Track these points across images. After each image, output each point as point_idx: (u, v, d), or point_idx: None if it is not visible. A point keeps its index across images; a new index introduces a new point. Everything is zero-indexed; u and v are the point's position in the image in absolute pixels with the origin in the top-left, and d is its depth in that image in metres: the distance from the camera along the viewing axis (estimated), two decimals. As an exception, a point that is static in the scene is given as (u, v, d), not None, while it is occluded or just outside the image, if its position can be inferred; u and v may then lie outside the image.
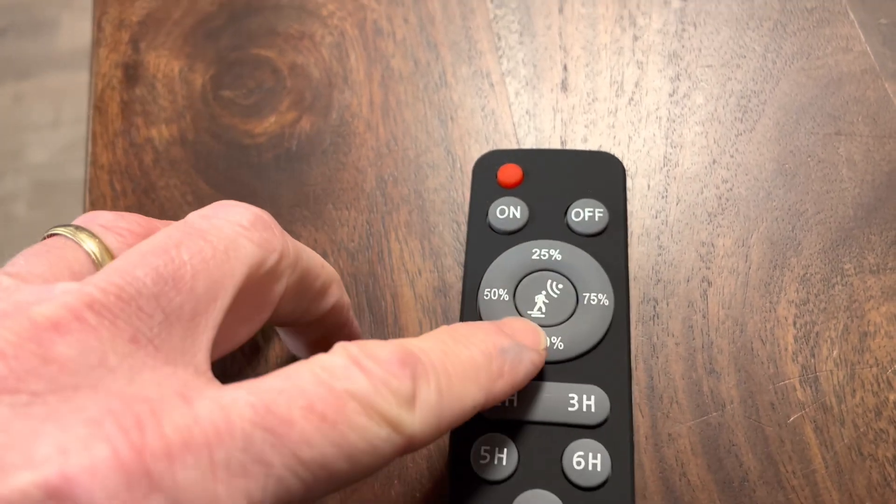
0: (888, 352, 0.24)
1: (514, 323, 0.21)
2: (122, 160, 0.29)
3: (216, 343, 0.17)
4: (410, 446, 0.16)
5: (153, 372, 0.15)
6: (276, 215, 0.28)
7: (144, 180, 0.29)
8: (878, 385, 0.23)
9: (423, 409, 0.16)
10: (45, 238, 0.18)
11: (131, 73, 0.31)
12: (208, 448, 0.13)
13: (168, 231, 0.17)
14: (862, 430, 0.23)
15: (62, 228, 0.18)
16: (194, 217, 0.18)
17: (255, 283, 0.18)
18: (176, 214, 0.28)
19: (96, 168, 0.29)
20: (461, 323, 0.20)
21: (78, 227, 0.18)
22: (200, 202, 0.28)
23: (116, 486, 0.12)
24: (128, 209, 0.28)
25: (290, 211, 0.28)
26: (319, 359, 0.15)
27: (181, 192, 0.28)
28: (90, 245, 0.17)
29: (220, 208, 0.18)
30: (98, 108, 0.30)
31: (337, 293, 0.22)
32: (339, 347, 0.16)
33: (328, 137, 0.29)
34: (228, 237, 0.17)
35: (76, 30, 1.42)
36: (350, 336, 0.24)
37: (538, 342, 0.21)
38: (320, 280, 0.21)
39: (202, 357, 0.16)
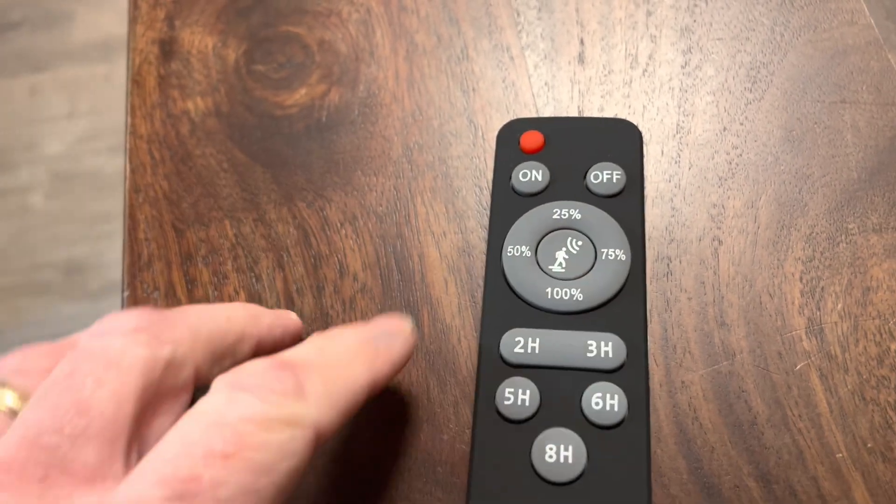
0: (890, 305, 0.25)
1: (378, 318, 0.22)
2: (160, 130, 0.31)
3: (142, 442, 0.18)
4: (320, 436, 0.17)
5: (69, 500, 0.16)
6: (308, 182, 0.29)
7: (182, 149, 0.30)
8: (881, 335, 0.25)
9: (314, 397, 0.17)
10: None
11: (167, 48, 0.33)
12: None
13: (62, 365, 0.18)
14: (865, 376, 0.24)
15: None
16: (84, 339, 0.19)
17: (159, 379, 0.19)
18: (212, 181, 0.30)
19: (135, 138, 0.31)
20: (332, 328, 0.21)
21: None
22: (236, 169, 0.30)
23: None
24: (166, 176, 0.30)
25: (322, 177, 0.29)
26: (200, 405, 0.17)
27: (217, 161, 0.30)
28: (10, 399, 0.18)
29: (106, 323, 0.19)
30: (136, 81, 0.32)
31: (254, 332, 0.22)
32: (216, 382, 0.17)
33: (356, 108, 0.30)
34: (118, 349, 0.18)
35: (90, 22, 1.44)
36: (289, 343, 0.24)
37: (403, 327, 0.22)
38: (231, 335, 0.21)
39: (119, 466, 0.17)
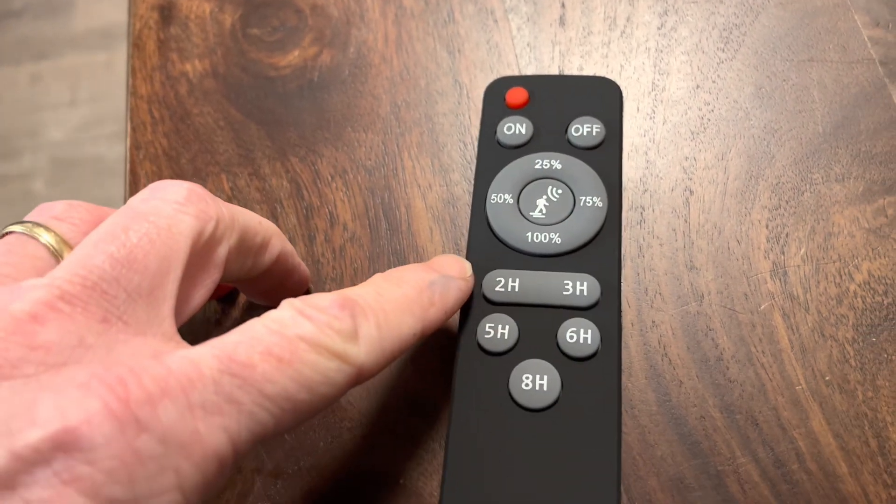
0: (849, 249, 0.26)
1: (441, 259, 0.24)
2: (159, 91, 0.32)
3: (177, 310, 0.19)
4: (361, 375, 0.19)
5: (126, 344, 0.17)
6: (301, 138, 0.31)
7: (180, 109, 0.32)
8: (840, 277, 0.26)
9: (366, 341, 0.19)
10: (2, 236, 0.20)
11: (166, 13, 0.34)
12: (184, 393, 0.15)
13: (114, 218, 0.19)
14: (824, 315, 0.25)
15: (18, 226, 0.20)
16: (135, 202, 0.20)
17: (200, 251, 0.20)
18: (209, 138, 0.31)
19: (136, 98, 0.32)
20: (395, 268, 0.23)
21: (34, 224, 0.20)
22: (231, 127, 0.31)
23: (111, 431, 0.14)
24: (166, 134, 0.31)
25: (313, 133, 0.31)
26: (269, 314, 0.18)
27: (214, 119, 0.31)
28: (47, 238, 0.19)
29: (156, 190, 0.20)
30: (136, 45, 0.33)
31: (278, 245, 0.24)
32: (286, 303, 0.18)
33: (347, 69, 0.32)
34: (168, 215, 0.19)
35: (91, 11, 1.45)
36: (299, 281, 0.26)
37: (464, 271, 0.24)
38: (259, 236, 0.23)
39: (168, 325, 0.18)
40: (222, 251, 0.21)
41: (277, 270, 0.25)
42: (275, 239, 0.24)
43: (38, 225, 0.20)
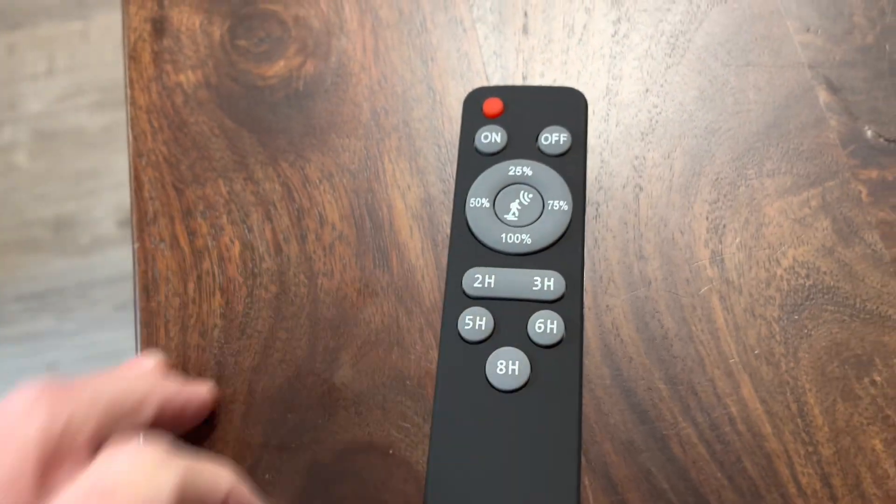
0: (778, 237, 0.30)
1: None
2: (157, 101, 0.35)
3: (51, 494, 0.21)
4: None
5: None
6: (290, 144, 0.34)
7: (177, 118, 0.35)
8: (770, 263, 0.30)
9: None
10: None
11: (158, 26, 0.37)
12: None
13: None
14: (755, 297, 0.29)
15: None
16: None
17: (59, 442, 0.22)
18: (206, 145, 0.34)
19: (136, 108, 0.35)
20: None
21: None
22: (226, 135, 0.34)
23: None
24: (165, 142, 0.34)
25: (301, 139, 0.34)
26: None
27: (209, 127, 0.34)
28: None
29: (13, 395, 0.23)
30: (132, 57, 0.36)
31: (155, 399, 0.26)
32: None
33: (329, 78, 0.35)
34: (19, 419, 0.22)
35: (64, -22, 1.44)
36: (194, 411, 0.28)
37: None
38: (130, 402, 0.25)
39: None
40: (83, 437, 0.23)
41: (165, 415, 0.27)
42: (149, 396, 0.26)
43: None
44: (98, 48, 1.38)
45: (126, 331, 1.17)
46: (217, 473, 0.23)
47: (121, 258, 1.20)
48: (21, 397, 0.23)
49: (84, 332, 1.17)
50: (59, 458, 0.22)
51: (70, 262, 1.21)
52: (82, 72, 1.37)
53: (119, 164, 1.26)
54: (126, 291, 1.18)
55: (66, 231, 1.23)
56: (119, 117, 1.31)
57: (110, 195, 1.26)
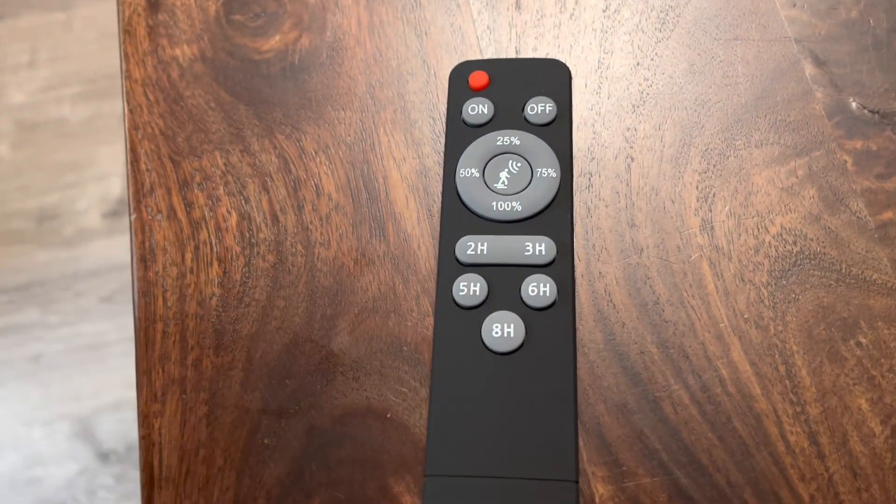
0: (766, 205, 0.31)
1: None
2: (152, 75, 0.35)
3: None
4: None
5: None
6: (286, 117, 0.34)
7: (173, 91, 0.35)
8: (758, 230, 0.31)
9: None
10: None
11: (153, 1, 0.37)
12: None
13: None
14: (744, 263, 0.30)
15: None
16: None
17: None
18: (202, 118, 0.34)
19: (131, 82, 0.35)
20: None
21: None
22: (222, 108, 0.34)
23: None
24: (161, 115, 0.34)
25: (297, 112, 0.34)
26: None
27: (205, 101, 0.35)
28: None
29: None
30: (127, 31, 0.36)
31: None
32: None
33: (324, 52, 0.35)
34: None
35: (46, -31, 1.43)
36: None
37: None
38: None
39: None
40: None
41: None
42: None
43: None
44: (81, 39, 1.38)
45: (111, 323, 1.16)
46: None
47: (105, 250, 1.20)
48: None
49: (68, 324, 1.17)
50: None
51: (54, 254, 1.20)
52: (65, 63, 1.36)
53: (103, 156, 1.26)
54: (111, 283, 1.18)
55: (49, 223, 1.23)
56: (103, 108, 1.30)
57: (94, 187, 1.25)
